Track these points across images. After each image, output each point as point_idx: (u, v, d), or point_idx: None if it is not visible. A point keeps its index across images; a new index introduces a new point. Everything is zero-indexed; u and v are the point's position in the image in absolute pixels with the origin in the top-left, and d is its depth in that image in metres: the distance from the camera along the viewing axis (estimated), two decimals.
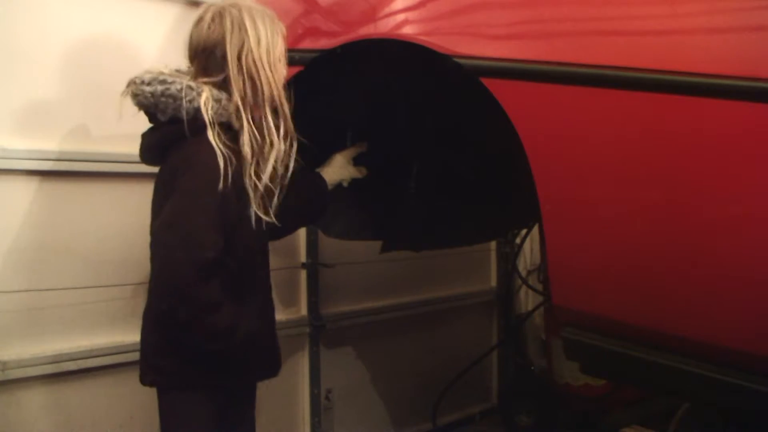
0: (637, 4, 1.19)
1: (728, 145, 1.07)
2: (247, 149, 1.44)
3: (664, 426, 2.12)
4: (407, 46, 1.41)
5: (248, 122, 1.45)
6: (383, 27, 1.48)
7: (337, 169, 1.81)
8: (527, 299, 3.25)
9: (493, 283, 3.31)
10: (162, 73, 1.50)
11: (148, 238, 1.50)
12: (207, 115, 1.42)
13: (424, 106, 1.87)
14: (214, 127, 1.43)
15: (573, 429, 2.90)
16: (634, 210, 1.17)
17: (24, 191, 1.91)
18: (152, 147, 1.57)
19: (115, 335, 2.07)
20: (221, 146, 1.42)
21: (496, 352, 3.24)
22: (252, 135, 1.45)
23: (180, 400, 1.54)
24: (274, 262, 2.18)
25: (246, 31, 1.46)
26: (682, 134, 1.10)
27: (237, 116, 1.45)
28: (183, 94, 1.43)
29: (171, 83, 1.46)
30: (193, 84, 1.47)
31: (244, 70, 1.45)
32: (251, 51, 1.46)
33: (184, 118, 1.43)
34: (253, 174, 1.44)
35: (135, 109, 1.57)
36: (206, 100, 1.43)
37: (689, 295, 1.14)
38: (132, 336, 2.08)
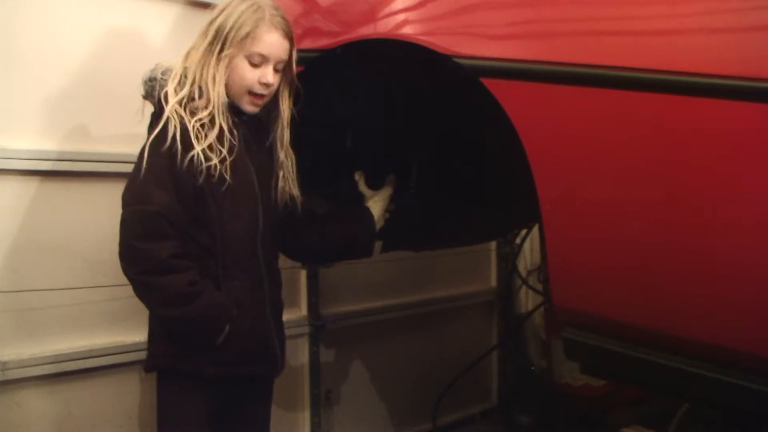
0: (637, 4, 1.19)
1: (728, 145, 1.07)
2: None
3: (664, 426, 2.12)
4: (407, 47, 1.41)
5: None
6: (383, 27, 1.48)
7: (380, 214, 1.84)
8: (527, 299, 3.25)
9: (493, 283, 3.31)
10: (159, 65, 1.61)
11: None
12: (171, 87, 1.53)
13: (424, 106, 1.87)
14: (174, 97, 1.52)
15: (573, 429, 2.90)
16: (635, 210, 1.17)
17: (23, 191, 1.91)
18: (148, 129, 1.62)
19: (115, 335, 2.07)
20: (175, 113, 1.51)
21: (496, 352, 3.24)
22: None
23: (172, 389, 1.58)
24: None
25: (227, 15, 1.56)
26: (682, 134, 1.10)
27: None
28: (159, 75, 1.57)
29: (155, 69, 1.59)
30: (173, 66, 1.58)
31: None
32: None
33: (157, 95, 1.55)
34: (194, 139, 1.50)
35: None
36: (175, 74, 1.55)
37: (689, 296, 1.14)
38: (132, 336, 2.08)
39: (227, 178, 1.51)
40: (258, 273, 1.62)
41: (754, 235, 1.06)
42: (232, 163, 1.52)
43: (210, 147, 1.50)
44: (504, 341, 3.25)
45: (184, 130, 1.49)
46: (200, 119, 1.51)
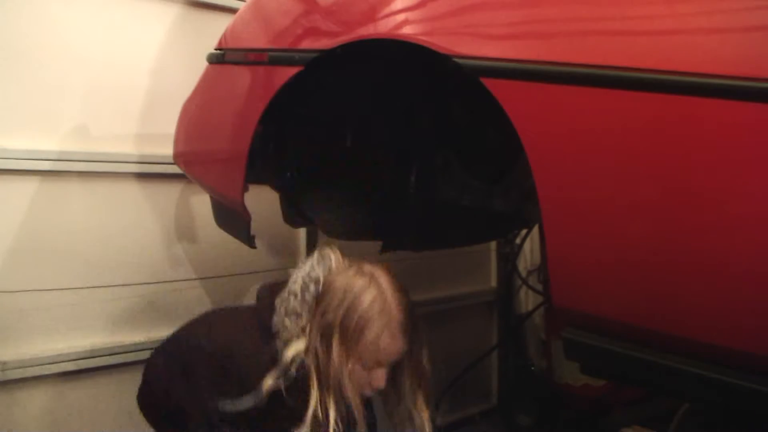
0: (637, 4, 1.19)
1: (728, 145, 1.07)
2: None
3: (664, 426, 2.12)
4: (407, 46, 1.41)
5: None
6: (383, 27, 1.48)
7: None
8: (527, 299, 3.25)
9: (493, 283, 3.31)
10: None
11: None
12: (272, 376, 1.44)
13: (423, 106, 1.87)
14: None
15: (573, 429, 2.89)
16: (635, 210, 1.17)
17: (24, 191, 1.91)
18: None
19: (115, 335, 2.07)
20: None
21: (496, 352, 3.23)
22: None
23: None
24: (274, 262, 2.19)
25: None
26: (682, 134, 1.10)
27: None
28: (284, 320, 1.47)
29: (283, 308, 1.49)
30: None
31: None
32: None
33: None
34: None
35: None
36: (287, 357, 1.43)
37: (690, 296, 1.14)
38: (132, 336, 2.08)
39: None
40: None
41: (754, 235, 1.06)
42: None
43: None
44: (504, 341, 3.25)
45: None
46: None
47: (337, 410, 1.41)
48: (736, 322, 1.11)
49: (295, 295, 1.47)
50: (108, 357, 2.03)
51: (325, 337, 1.42)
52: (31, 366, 1.89)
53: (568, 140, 1.22)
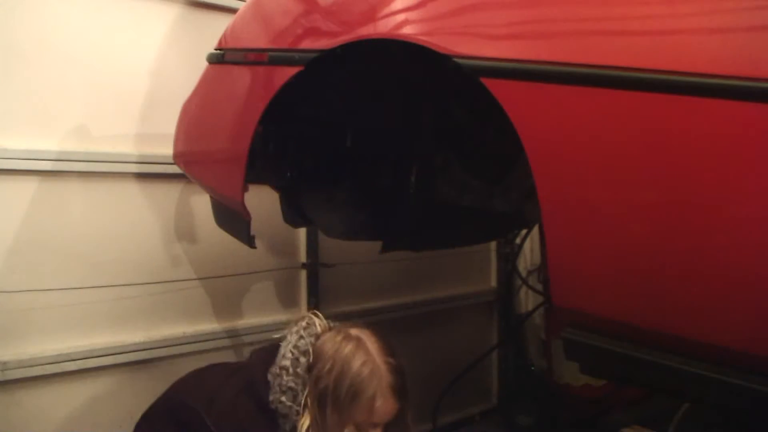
0: (637, 4, 1.19)
1: (729, 145, 1.07)
2: None
3: (664, 426, 2.12)
4: (407, 46, 1.41)
5: None
6: (383, 27, 1.47)
7: None
8: (527, 299, 3.25)
9: (493, 283, 3.31)
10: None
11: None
12: None
13: (423, 106, 1.87)
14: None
15: (573, 429, 2.89)
16: (635, 210, 1.17)
17: (24, 191, 1.91)
18: None
19: (114, 335, 2.07)
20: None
21: (496, 352, 3.23)
22: None
23: None
24: (274, 262, 2.19)
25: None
26: (683, 134, 1.10)
27: None
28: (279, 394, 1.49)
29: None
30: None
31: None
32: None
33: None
34: None
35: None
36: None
37: (690, 296, 1.14)
38: (132, 336, 2.08)
39: None
40: None
41: (754, 236, 1.06)
42: None
43: None
44: (504, 341, 3.25)
45: None
46: None
47: None
48: (736, 322, 1.11)
49: (287, 371, 1.49)
50: (108, 357, 2.03)
51: (321, 404, 1.45)
52: (31, 366, 1.90)
53: (568, 140, 1.22)
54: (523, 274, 3.05)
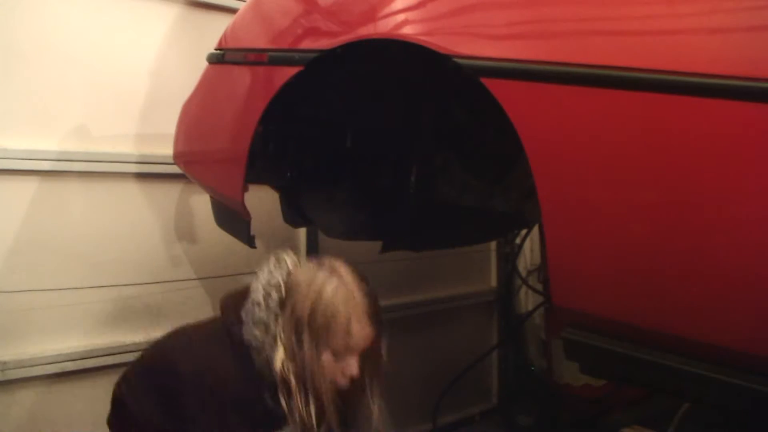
0: (637, 4, 1.19)
1: (728, 145, 1.07)
2: None
3: (664, 426, 2.12)
4: (407, 47, 1.41)
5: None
6: (383, 27, 1.48)
7: None
8: (527, 299, 3.25)
9: (493, 283, 3.31)
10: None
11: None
12: None
13: (423, 106, 1.87)
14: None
15: (573, 429, 2.89)
16: (635, 210, 1.17)
17: (24, 191, 1.91)
18: None
19: (114, 335, 2.07)
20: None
21: (496, 352, 3.23)
22: None
23: None
24: None
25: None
26: (683, 134, 1.10)
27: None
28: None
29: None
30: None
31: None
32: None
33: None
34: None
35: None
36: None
37: (690, 296, 1.14)
38: (132, 336, 2.08)
39: None
40: None
41: (754, 236, 1.06)
42: None
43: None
44: (504, 341, 3.25)
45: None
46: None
47: (316, 405, 1.43)
48: (736, 322, 1.11)
49: (259, 305, 1.48)
50: (108, 357, 2.03)
51: (297, 333, 1.44)
52: (31, 366, 1.90)
53: (568, 140, 1.22)
54: (523, 274, 3.05)
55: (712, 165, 1.08)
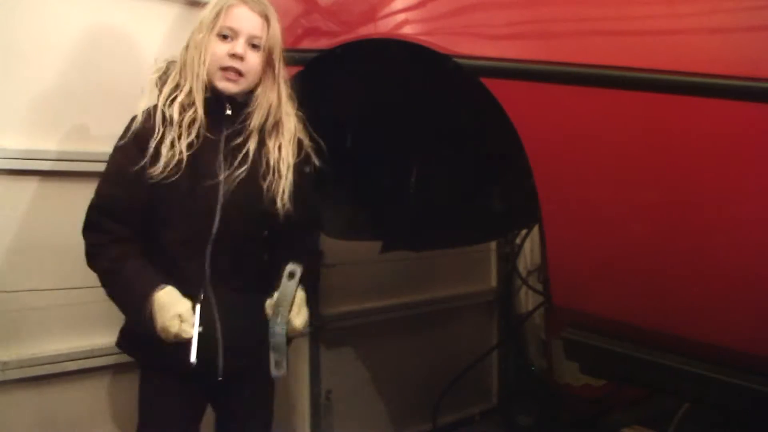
0: (637, 4, 1.19)
1: (728, 145, 1.07)
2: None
3: (664, 426, 2.12)
4: (407, 46, 1.41)
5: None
6: (383, 27, 1.48)
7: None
8: (527, 299, 3.25)
9: (493, 283, 3.30)
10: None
11: None
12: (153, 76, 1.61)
13: (423, 106, 1.87)
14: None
15: (573, 429, 2.90)
16: (635, 210, 1.17)
17: (23, 191, 1.91)
18: None
19: (114, 335, 2.06)
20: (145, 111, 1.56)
21: (496, 352, 3.24)
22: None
23: (141, 380, 1.66)
24: None
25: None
26: (682, 134, 1.10)
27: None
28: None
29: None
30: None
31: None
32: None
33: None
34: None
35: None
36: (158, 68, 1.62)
37: (689, 296, 1.14)
38: None
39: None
40: (201, 274, 1.54)
41: (754, 236, 1.06)
42: (191, 156, 1.50)
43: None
44: (504, 341, 3.25)
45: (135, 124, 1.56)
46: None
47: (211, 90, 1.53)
48: (736, 322, 1.11)
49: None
50: (108, 357, 2.02)
51: (188, 42, 1.57)
52: (31, 366, 1.89)
53: (567, 140, 1.23)
54: (523, 274, 3.05)
55: (713, 165, 1.08)
